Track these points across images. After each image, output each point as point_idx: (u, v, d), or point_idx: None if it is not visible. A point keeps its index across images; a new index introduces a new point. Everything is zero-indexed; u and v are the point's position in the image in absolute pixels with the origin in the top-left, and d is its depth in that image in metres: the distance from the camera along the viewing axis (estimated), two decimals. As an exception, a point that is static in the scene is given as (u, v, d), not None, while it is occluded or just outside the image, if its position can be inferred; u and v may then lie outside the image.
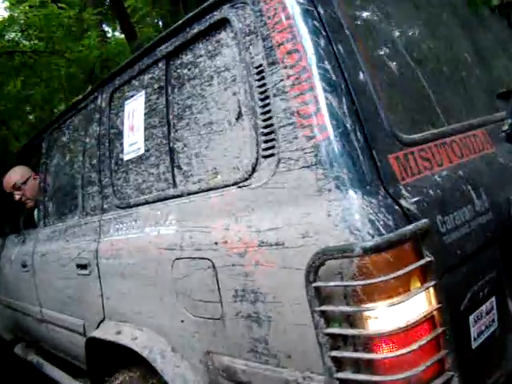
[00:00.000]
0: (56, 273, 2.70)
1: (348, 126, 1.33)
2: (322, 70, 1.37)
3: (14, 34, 8.42)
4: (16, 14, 8.49)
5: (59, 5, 8.52)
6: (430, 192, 1.38)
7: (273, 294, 1.40)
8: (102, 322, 2.26)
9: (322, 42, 1.40)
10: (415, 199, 1.33)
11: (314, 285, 1.22)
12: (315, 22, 1.42)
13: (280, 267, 1.37)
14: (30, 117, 10.12)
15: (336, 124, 1.33)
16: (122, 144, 2.21)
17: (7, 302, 3.81)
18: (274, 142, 1.44)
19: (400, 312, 1.19)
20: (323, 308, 1.22)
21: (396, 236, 1.16)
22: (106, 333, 2.15)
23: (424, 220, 1.24)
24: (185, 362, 1.78)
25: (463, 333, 1.35)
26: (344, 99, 1.36)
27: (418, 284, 1.22)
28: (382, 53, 1.62)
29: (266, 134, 1.47)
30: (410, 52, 1.71)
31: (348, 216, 1.24)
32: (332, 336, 1.23)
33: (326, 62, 1.38)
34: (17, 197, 3.52)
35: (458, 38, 2.07)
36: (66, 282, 2.61)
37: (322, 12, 1.44)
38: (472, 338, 1.39)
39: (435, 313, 1.23)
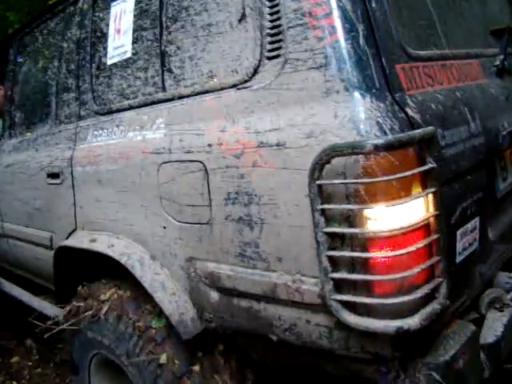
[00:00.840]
0: (22, 184, 2.60)
1: (359, 30, 1.31)
2: None
3: None
4: None
5: None
6: (432, 106, 1.39)
7: (269, 195, 1.39)
8: (73, 232, 2.20)
9: None
10: (419, 110, 1.33)
11: (318, 182, 1.21)
12: None
13: (279, 168, 1.36)
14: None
15: (348, 27, 1.30)
16: (105, 48, 2.11)
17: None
18: (281, 43, 1.40)
19: (399, 214, 1.20)
20: (325, 206, 1.23)
21: (406, 137, 1.17)
22: (78, 241, 2.10)
23: (430, 127, 1.25)
24: (165, 270, 1.77)
25: (451, 245, 1.40)
26: (357, 4, 1.33)
27: (419, 189, 1.24)
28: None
29: (272, 35, 1.43)
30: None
31: (356, 117, 1.24)
32: (330, 235, 1.24)
33: None
34: None
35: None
36: (33, 193, 2.52)
37: None
38: (457, 252, 1.44)
39: (431, 220, 1.26)
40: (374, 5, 1.36)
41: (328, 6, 1.32)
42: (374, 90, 1.27)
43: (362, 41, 1.30)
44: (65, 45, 2.39)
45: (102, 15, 2.16)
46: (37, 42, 2.74)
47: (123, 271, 1.84)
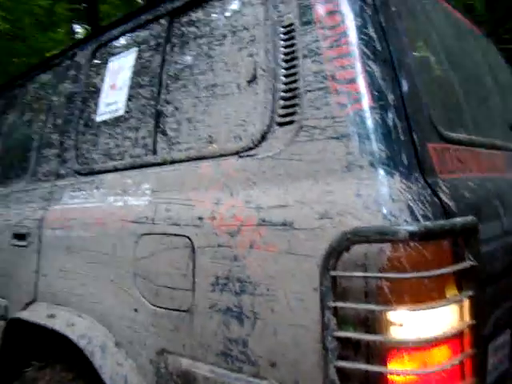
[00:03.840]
0: (-16, 242, 2.33)
1: (389, 99, 1.14)
2: (367, 37, 1.19)
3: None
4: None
5: None
6: (466, 194, 1.20)
7: (267, 284, 1.15)
8: (31, 303, 1.91)
9: (368, 10, 1.22)
10: (453, 196, 1.13)
11: (333, 273, 0.98)
12: None
13: (283, 252, 1.12)
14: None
15: (377, 95, 1.13)
16: (96, 104, 1.93)
17: None
18: (296, 108, 1.23)
19: (430, 321, 0.97)
20: (339, 304, 0.99)
21: (448, 225, 0.96)
22: (35, 314, 1.80)
23: (472, 217, 1.04)
24: (130, 361, 1.47)
25: (483, 362, 1.15)
26: (388, 71, 1.17)
27: (455, 291, 1.01)
28: (423, 45, 1.46)
29: (286, 99, 1.26)
30: (448, 57, 1.58)
31: (383, 198, 1.03)
32: (342, 341, 0.99)
33: (371, 30, 1.20)
34: None
35: (482, 66, 1.98)
36: (-8, 255, 2.24)
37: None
38: (488, 372, 1.18)
39: (466, 330, 1.02)
40: (404, 74, 1.20)
41: (354, 70, 1.15)
42: (403, 169, 1.08)
43: (392, 111, 1.12)
44: (55, 98, 2.21)
45: (97, 70, 2.01)
46: (27, 94, 2.59)
47: (81, 354, 1.54)
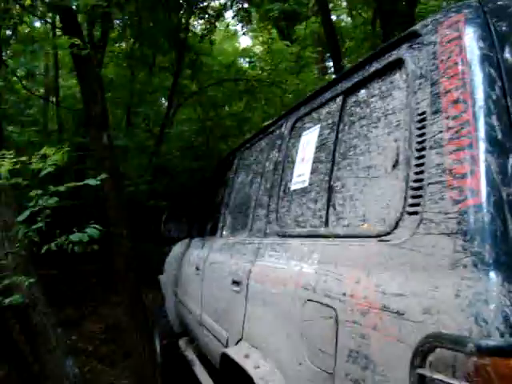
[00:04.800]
0: (217, 283, 2.84)
1: (503, 196, 1.11)
2: (488, 126, 1.17)
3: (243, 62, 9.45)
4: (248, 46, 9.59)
5: (286, 43, 9.27)
6: None
7: (383, 365, 1.24)
8: (240, 340, 2.29)
9: (495, 94, 1.20)
10: None
11: (419, 371, 1.04)
12: (491, 70, 1.23)
13: (395, 339, 1.21)
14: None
15: (490, 191, 1.12)
16: (292, 173, 2.23)
17: (182, 298, 4.14)
18: (421, 199, 1.29)
19: None
20: (425, 402, 1.04)
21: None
22: (236, 352, 2.17)
23: None
24: None
25: None
26: (505, 165, 1.14)
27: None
28: None
29: (414, 189, 1.32)
30: None
31: (478, 301, 1.03)
32: None
33: (494, 118, 1.18)
34: None
35: None
36: (221, 294, 2.72)
37: (501, 59, 1.24)
38: None
39: None
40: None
41: (470, 165, 1.17)
42: (508, 271, 1.06)
43: (503, 209, 1.10)
44: (266, 163, 2.59)
45: (295, 142, 2.30)
46: (250, 156, 3.05)
47: None
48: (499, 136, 1.16)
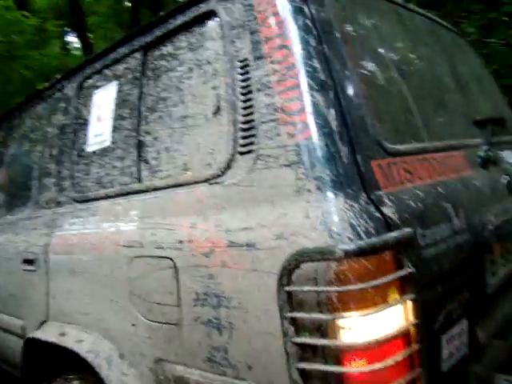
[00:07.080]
0: (-1, 269, 2.52)
1: (333, 126, 1.27)
2: (310, 68, 1.31)
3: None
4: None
5: (23, 13, 8.55)
6: (412, 204, 1.33)
7: (238, 298, 1.30)
8: (44, 322, 2.09)
9: (312, 41, 1.35)
10: (397, 209, 1.27)
11: (287, 289, 1.13)
12: (306, 21, 1.37)
13: (249, 270, 1.27)
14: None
15: (321, 123, 1.26)
16: (86, 135, 2.09)
17: None
18: (254, 139, 1.37)
19: (375, 324, 1.11)
20: (294, 315, 1.14)
21: (380, 241, 1.10)
22: (48, 334, 1.99)
23: (408, 229, 1.18)
24: (132, 370, 1.64)
25: (435, 353, 1.29)
26: (331, 100, 1.30)
27: (397, 296, 1.15)
28: (369, 62, 1.57)
29: (245, 130, 1.39)
30: (397, 67, 1.68)
31: (328, 219, 1.17)
32: (301, 346, 1.14)
33: (315, 61, 1.32)
34: None
35: (441, 64, 2.08)
36: (7, 278, 2.43)
37: (314, 11, 1.40)
38: (442, 360, 1.32)
39: (411, 328, 1.16)
40: (349, 101, 1.33)
41: (300, 102, 1.29)
42: (347, 189, 1.21)
43: (335, 138, 1.26)
44: (49, 129, 2.38)
45: (85, 102, 2.16)
46: (24, 125, 2.75)
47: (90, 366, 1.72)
48: (321, 76, 1.31)
